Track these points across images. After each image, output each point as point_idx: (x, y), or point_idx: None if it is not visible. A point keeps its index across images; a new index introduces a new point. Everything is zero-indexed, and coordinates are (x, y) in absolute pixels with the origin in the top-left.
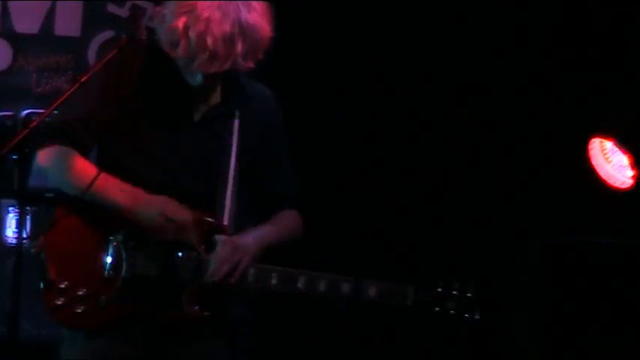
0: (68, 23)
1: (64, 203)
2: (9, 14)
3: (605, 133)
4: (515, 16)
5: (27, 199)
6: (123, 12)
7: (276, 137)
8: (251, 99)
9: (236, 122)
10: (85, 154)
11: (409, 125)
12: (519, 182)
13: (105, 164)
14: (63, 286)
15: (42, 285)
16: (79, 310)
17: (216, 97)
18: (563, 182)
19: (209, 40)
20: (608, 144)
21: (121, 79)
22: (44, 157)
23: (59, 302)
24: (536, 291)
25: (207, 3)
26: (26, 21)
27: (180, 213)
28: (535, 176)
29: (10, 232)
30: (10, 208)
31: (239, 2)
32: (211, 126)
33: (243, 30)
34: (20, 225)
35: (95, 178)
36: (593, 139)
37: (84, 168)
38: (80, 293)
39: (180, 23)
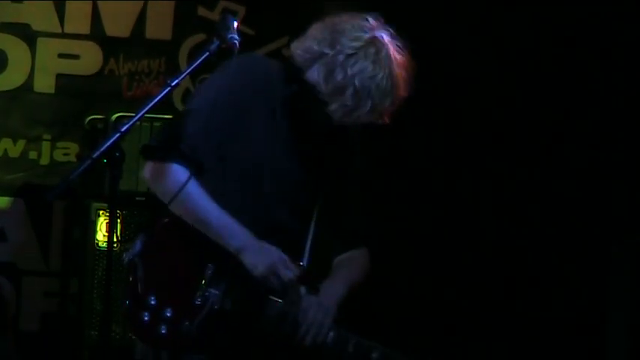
0: (159, 26)
1: (166, 213)
2: (100, 18)
3: None
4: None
5: (118, 202)
6: (213, 15)
7: (357, 179)
8: (347, 143)
9: (330, 166)
10: (199, 173)
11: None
12: (614, 182)
13: (210, 180)
14: (152, 302)
15: (127, 295)
16: (162, 331)
17: (321, 137)
18: None
19: (375, 94)
20: None
21: (251, 97)
22: (155, 172)
23: (145, 318)
24: (632, 291)
25: (368, 51)
26: (117, 24)
27: (288, 270)
28: (631, 176)
29: (101, 235)
30: (101, 212)
31: (391, 55)
32: (312, 165)
33: (395, 86)
34: (111, 229)
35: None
36: None
37: (174, 176)
38: (168, 314)
39: (347, 72)
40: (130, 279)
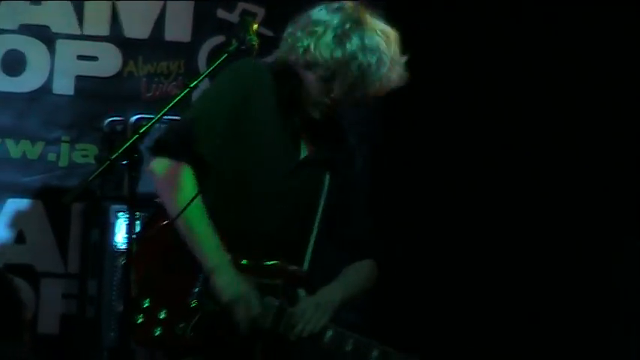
0: (178, 28)
1: (163, 217)
2: (119, 20)
3: None
4: None
5: (137, 204)
6: (233, 17)
7: (358, 189)
8: (343, 148)
9: (328, 171)
10: (198, 170)
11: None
12: (621, 182)
13: (210, 184)
14: (145, 304)
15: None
16: (156, 333)
17: (315, 142)
18: None
19: (373, 68)
20: None
21: (245, 103)
22: (157, 167)
23: (139, 320)
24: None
25: (358, 30)
26: (136, 26)
27: (255, 305)
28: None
29: (120, 237)
30: (120, 214)
31: (381, 30)
32: (307, 171)
33: (392, 58)
34: (130, 231)
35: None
36: None
37: (183, 188)
38: (161, 316)
39: (340, 52)
40: (122, 282)
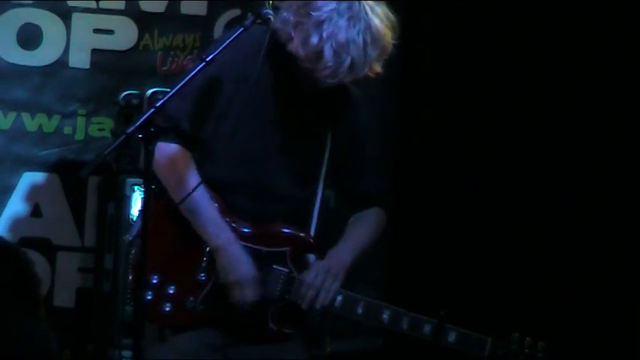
0: (194, 2)
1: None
2: None
3: None
4: None
5: (152, 178)
6: None
7: (362, 140)
8: (346, 103)
9: (330, 130)
10: (193, 149)
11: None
12: None
13: (204, 156)
14: (155, 281)
15: (129, 277)
16: (167, 309)
17: (317, 101)
18: None
19: (352, 50)
20: None
21: (236, 69)
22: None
23: (148, 297)
24: None
25: (341, 10)
26: (152, 0)
27: (250, 291)
28: None
29: (136, 211)
30: (136, 187)
31: (367, 9)
32: (310, 130)
33: (375, 38)
34: (146, 204)
35: (193, 190)
36: None
37: (186, 177)
38: (170, 292)
39: (322, 35)
40: (131, 259)
